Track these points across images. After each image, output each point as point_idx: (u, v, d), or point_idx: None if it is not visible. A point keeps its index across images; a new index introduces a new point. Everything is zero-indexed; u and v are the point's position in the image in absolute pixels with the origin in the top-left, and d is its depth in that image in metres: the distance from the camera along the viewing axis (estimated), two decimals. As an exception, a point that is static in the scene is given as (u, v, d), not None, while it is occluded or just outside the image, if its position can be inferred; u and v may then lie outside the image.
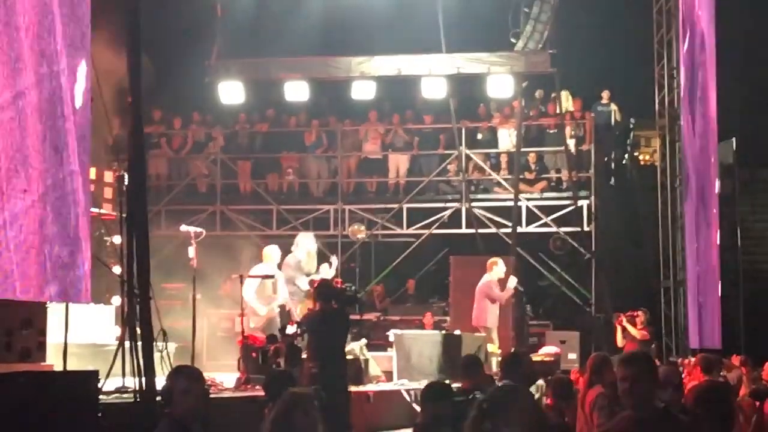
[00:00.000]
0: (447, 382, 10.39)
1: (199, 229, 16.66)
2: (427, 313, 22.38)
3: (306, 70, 24.40)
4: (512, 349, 18.17)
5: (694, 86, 21.71)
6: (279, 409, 6.57)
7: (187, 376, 7.26)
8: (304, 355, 15.46)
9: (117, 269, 14.62)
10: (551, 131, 24.64)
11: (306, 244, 17.61)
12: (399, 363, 17.70)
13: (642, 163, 27.35)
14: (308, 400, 6.85)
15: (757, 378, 14.99)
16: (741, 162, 24.10)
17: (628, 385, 6.52)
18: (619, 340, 20.05)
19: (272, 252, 17.77)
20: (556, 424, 10.00)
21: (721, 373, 14.08)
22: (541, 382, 14.54)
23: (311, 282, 16.13)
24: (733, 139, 23.74)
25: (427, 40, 23.58)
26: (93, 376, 10.63)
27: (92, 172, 14.76)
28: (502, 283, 19.49)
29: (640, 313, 19.98)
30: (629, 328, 19.75)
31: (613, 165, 25.60)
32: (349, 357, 15.11)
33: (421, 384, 16.19)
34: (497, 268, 19.48)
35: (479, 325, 19.22)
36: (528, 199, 24.20)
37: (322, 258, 18.00)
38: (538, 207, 24.14)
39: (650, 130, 25.69)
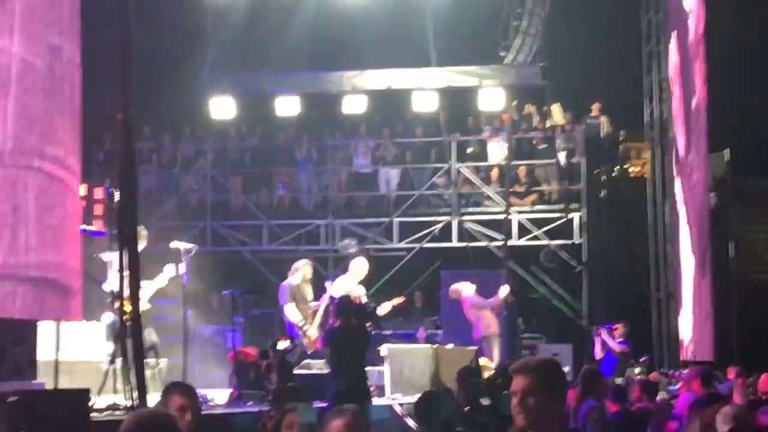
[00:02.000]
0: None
1: (190, 245, 16.63)
2: (420, 328, 22.36)
3: (297, 85, 24.43)
4: (506, 363, 18.18)
5: (687, 98, 21.72)
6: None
7: (182, 392, 7.24)
8: (296, 371, 15.48)
9: (107, 286, 14.61)
10: (541, 145, 24.67)
11: (302, 269, 17.66)
12: (392, 377, 17.66)
13: (632, 175, 27.35)
14: (294, 413, 6.90)
15: (752, 390, 14.94)
16: (734, 172, 24.11)
17: (517, 400, 5.42)
18: (598, 353, 20.08)
19: (361, 265, 18.13)
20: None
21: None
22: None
23: (331, 299, 16.24)
24: (726, 150, 23.75)
25: (417, 54, 23.64)
26: (84, 394, 10.59)
27: (82, 189, 14.69)
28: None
29: (619, 326, 20.01)
30: (608, 340, 19.78)
31: (603, 177, 25.60)
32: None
33: (414, 398, 16.23)
34: (465, 289, 19.61)
35: (485, 334, 19.22)
36: (519, 212, 24.20)
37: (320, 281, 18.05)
38: (529, 220, 24.14)
39: (640, 142, 25.68)
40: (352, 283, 17.84)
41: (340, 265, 23.65)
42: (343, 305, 14.02)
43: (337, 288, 17.57)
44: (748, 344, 21.59)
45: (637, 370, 19.53)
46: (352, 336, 13.60)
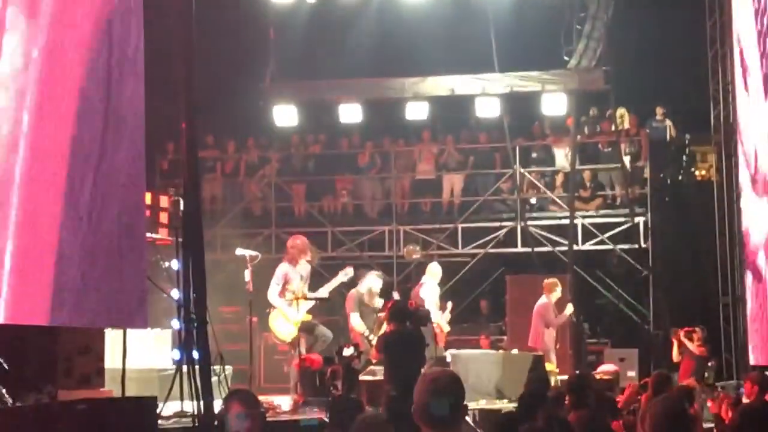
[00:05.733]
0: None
1: (254, 253, 16.73)
2: (482, 335, 22.31)
3: (359, 92, 24.44)
4: (577, 372, 18.05)
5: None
6: None
7: (242, 399, 7.23)
8: (362, 377, 15.46)
9: (174, 294, 14.69)
10: (606, 150, 24.53)
11: (369, 281, 17.89)
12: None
13: (698, 178, 27.13)
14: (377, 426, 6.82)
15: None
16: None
17: None
18: (675, 356, 19.88)
19: (436, 269, 18.97)
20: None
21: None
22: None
23: (384, 304, 16.33)
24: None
25: (479, 59, 23.55)
26: (151, 402, 10.66)
27: (148, 197, 14.81)
28: (559, 305, 19.33)
29: (698, 329, 19.82)
30: (687, 343, 19.59)
31: (668, 181, 25.41)
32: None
33: (479, 404, 16.16)
34: (556, 292, 19.29)
35: (535, 346, 19.09)
36: (584, 217, 24.05)
37: (385, 295, 18.16)
38: (594, 225, 23.99)
39: (706, 146, 25.46)
40: (436, 286, 18.28)
41: (405, 271, 23.75)
42: (397, 310, 13.97)
43: (428, 295, 17.87)
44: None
45: (706, 374, 19.36)
46: (406, 341, 13.53)
